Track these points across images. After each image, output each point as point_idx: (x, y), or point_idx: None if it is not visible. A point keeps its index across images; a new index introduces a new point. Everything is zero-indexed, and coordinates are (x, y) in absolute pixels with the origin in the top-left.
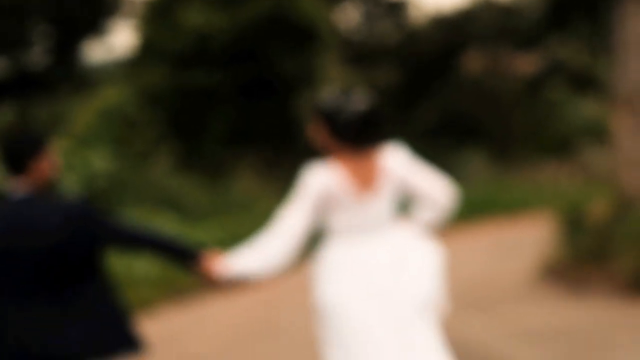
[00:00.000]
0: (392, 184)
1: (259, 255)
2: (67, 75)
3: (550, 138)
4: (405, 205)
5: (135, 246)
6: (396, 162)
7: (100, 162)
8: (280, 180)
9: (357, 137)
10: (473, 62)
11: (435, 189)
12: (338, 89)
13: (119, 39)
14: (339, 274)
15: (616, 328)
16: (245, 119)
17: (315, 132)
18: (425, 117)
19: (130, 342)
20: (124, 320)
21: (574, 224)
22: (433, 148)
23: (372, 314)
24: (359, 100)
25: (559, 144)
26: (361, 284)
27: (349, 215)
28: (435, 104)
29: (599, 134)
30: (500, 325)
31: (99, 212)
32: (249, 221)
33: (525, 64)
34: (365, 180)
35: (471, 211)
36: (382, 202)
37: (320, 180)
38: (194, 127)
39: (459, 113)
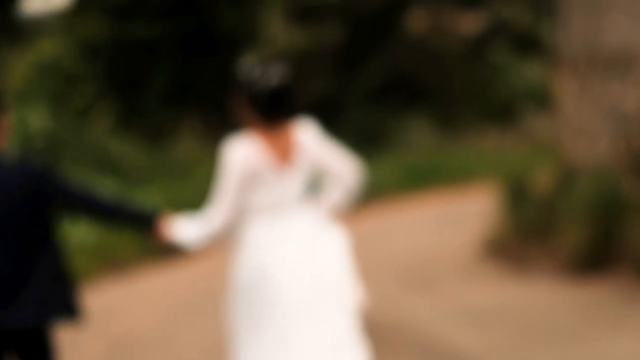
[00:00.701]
0: (306, 159)
1: (198, 229)
2: (4, 27)
3: (494, 103)
4: (313, 186)
5: (92, 211)
6: (308, 137)
7: (38, 120)
8: (223, 142)
9: (268, 110)
10: (417, 21)
11: (344, 168)
12: (258, 58)
13: None
14: (258, 257)
15: (557, 308)
16: (186, 76)
17: (235, 103)
18: (369, 78)
19: (69, 309)
20: (69, 287)
21: (517, 196)
22: (376, 112)
23: (291, 295)
24: (274, 73)
25: (503, 109)
26: (280, 265)
27: (268, 190)
28: (379, 64)
29: (542, 98)
30: (440, 305)
31: (56, 174)
32: (190, 186)
33: (469, 23)
34: (283, 154)
35: (415, 180)
36: (298, 177)
37: (242, 155)
38: (133, 82)
39: (403, 74)
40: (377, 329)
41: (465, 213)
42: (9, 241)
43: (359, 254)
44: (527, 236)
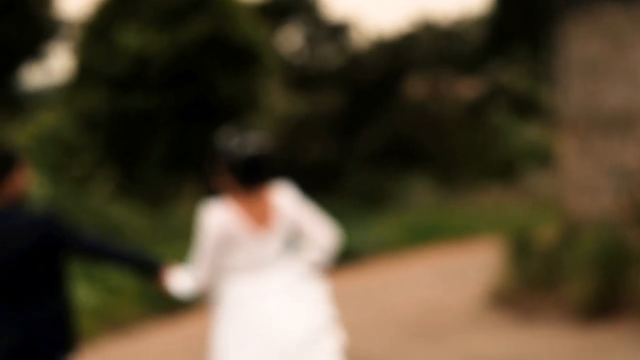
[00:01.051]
0: (284, 222)
1: (190, 281)
2: (5, 100)
3: (494, 162)
4: (290, 244)
5: (100, 256)
6: (287, 201)
7: (38, 189)
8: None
9: (245, 178)
10: (415, 87)
11: (320, 231)
12: (236, 127)
13: (58, 63)
14: (240, 315)
15: (566, 356)
16: (185, 144)
17: (214, 169)
18: (369, 143)
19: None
20: (71, 335)
21: (521, 250)
22: (377, 174)
23: (277, 350)
24: (252, 142)
25: (503, 168)
26: (263, 322)
27: (246, 252)
28: (378, 129)
29: (542, 157)
30: (448, 356)
31: (65, 222)
32: (190, 250)
33: (467, 88)
34: (260, 218)
35: (417, 238)
36: (276, 240)
37: (218, 220)
38: (132, 152)
39: (403, 138)
40: None
41: (469, 267)
42: (19, 288)
43: (365, 308)
44: (532, 287)
